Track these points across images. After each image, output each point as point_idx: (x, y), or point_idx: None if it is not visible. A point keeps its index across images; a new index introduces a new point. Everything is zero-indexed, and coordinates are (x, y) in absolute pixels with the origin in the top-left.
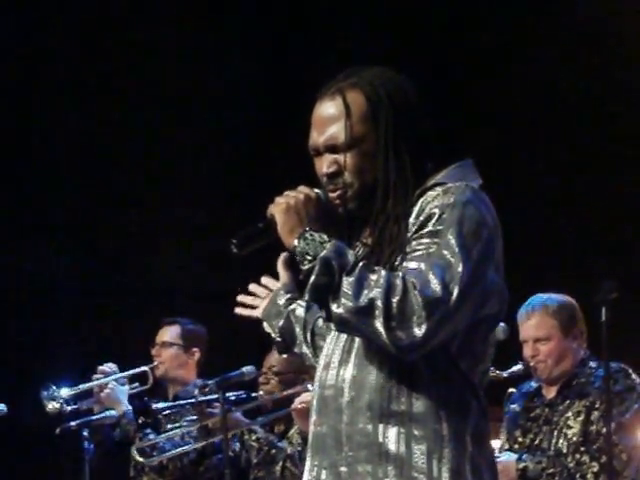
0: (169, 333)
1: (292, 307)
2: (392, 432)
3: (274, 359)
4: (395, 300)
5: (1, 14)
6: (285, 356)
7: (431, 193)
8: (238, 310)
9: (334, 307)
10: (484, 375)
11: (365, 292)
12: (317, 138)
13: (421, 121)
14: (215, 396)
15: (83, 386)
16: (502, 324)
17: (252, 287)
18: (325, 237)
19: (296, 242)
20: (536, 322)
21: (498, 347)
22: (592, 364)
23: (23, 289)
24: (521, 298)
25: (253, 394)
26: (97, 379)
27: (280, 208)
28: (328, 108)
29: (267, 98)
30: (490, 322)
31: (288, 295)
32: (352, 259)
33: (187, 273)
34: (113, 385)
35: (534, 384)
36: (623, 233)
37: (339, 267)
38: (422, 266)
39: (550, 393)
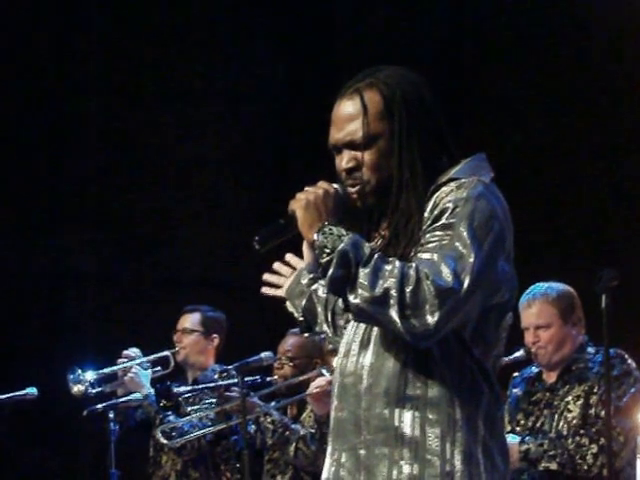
0: (190, 320)
1: (315, 287)
2: (407, 416)
3: (288, 345)
4: (409, 290)
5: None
6: (298, 342)
7: (445, 189)
8: (264, 290)
9: (351, 298)
10: (497, 359)
11: (380, 282)
12: (336, 135)
13: (435, 118)
14: (234, 380)
15: (107, 370)
16: None
17: (276, 265)
18: (343, 231)
19: (315, 236)
20: (537, 310)
21: None
22: (590, 350)
23: (52, 276)
24: (522, 287)
25: (268, 379)
26: (121, 363)
27: (300, 204)
28: (347, 107)
29: (291, 94)
30: (501, 310)
31: (311, 275)
32: (368, 251)
33: (208, 263)
34: (136, 369)
35: (535, 369)
36: (623, 222)
37: (355, 259)
38: (435, 257)
39: (551, 378)
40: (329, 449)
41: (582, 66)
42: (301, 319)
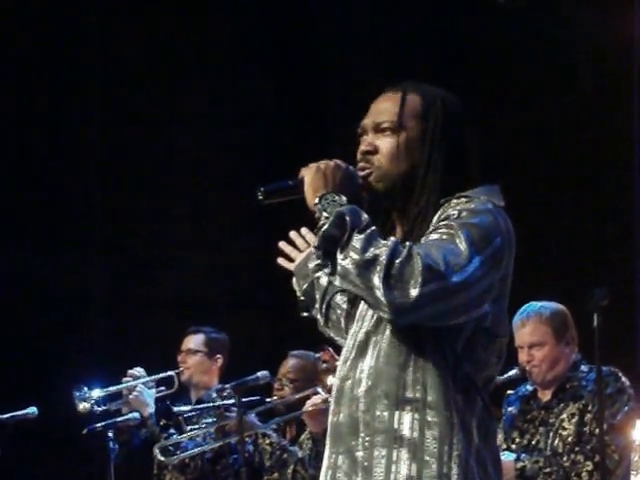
0: (194, 341)
1: (318, 274)
2: (407, 418)
3: (289, 366)
4: (397, 261)
5: None
6: (299, 364)
7: (455, 200)
8: (280, 260)
9: (340, 258)
10: (488, 382)
11: (372, 249)
12: (367, 119)
13: (465, 140)
14: (232, 400)
15: (113, 388)
16: None
17: (293, 234)
18: (345, 200)
19: (317, 200)
20: (530, 329)
21: None
22: (584, 368)
23: (57, 294)
24: (516, 306)
25: (267, 399)
26: (126, 382)
27: (310, 170)
28: (387, 99)
29: (282, 112)
30: (487, 333)
31: (318, 261)
32: (366, 222)
33: (210, 285)
34: (141, 388)
35: (530, 387)
36: (614, 241)
37: (352, 224)
38: (431, 245)
39: (545, 396)
40: (326, 453)
41: (571, 98)
42: (302, 299)
